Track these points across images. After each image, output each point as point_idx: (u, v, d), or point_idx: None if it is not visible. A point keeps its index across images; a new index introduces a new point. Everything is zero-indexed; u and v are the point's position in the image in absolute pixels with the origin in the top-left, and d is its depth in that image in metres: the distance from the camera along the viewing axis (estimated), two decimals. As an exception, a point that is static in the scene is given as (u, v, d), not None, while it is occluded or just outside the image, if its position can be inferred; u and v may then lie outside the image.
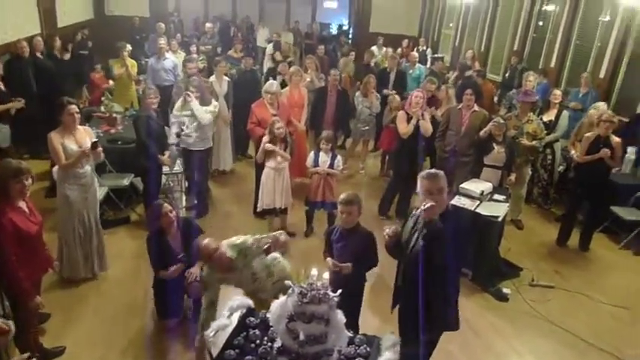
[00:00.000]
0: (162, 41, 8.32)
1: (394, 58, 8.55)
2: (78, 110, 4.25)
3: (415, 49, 11.70)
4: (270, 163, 5.23)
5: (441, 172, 3.01)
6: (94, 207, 4.54)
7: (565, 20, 8.82)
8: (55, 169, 5.07)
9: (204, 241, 3.39)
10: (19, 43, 6.84)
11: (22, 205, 3.25)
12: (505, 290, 4.85)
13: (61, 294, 4.34)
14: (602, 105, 5.75)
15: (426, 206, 2.78)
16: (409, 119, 5.69)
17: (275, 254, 3.48)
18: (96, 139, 4.46)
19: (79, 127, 4.34)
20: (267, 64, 10.50)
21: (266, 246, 3.42)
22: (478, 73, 8.35)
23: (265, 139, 5.17)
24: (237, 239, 3.46)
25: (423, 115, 5.67)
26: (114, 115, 6.61)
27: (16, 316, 3.09)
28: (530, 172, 6.33)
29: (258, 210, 5.43)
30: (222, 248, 3.35)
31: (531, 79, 7.03)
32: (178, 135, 5.59)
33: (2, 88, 6.20)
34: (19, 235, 3.10)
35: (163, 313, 4.00)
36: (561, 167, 6.74)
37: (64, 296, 4.31)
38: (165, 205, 3.85)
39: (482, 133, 5.55)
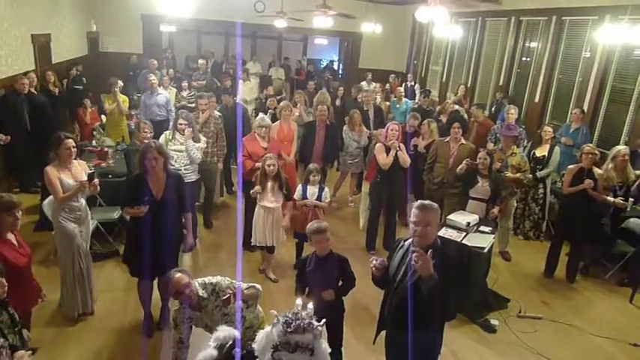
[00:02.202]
0: (153, 77, 8.46)
1: (368, 96, 8.53)
2: (74, 145, 4.32)
3: (403, 85, 11.98)
4: (261, 202, 5.22)
5: (435, 206, 3.00)
6: (87, 240, 4.54)
7: (548, 56, 9.12)
8: (46, 202, 5.11)
9: (176, 275, 3.23)
10: (21, 80, 6.93)
11: (11, 237, 3.27)
12: (493, 321, 4.87)
13: (47, 327, 4.29)
14: (622, 149, 5.82)
15: (414, 260, 2.76)
16: (388, 150, 5.83)
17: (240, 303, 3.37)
18: (92, 171, 4.52)
19: (74, 160, 4.38)
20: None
21: (225, 297, 3.27)
22: (478, 105, 8.47)
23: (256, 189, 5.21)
24: (212, 279, 3.38)
25: (399, 146, 5.81)
26: (105, 149, 6.67)
27: None
28: (515, 205, 6.43)
29: (253, 244, 5.41)
30: (193, 285, 3.24)
31: (512, 112, 7.22)
32: None
33: None
34: (7, 268, 3.11)
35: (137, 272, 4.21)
36: (549, 199, 6.85)
37: (50, 330, 4.27)
38: (152, 150, 3.99)
39: (458, 169, 5.67)
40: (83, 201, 4.39)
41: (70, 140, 4.25)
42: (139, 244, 4.03)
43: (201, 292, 3.26)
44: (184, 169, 5.55)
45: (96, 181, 4.33)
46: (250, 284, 3.41)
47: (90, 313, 4.51)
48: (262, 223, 5.24)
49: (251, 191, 5.24)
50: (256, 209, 5.29)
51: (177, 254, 4.38)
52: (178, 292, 3.20)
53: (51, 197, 5.09)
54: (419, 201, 3.05)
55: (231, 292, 3.30)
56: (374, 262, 3.15)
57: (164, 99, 8.23)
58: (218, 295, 3.29)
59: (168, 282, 3.25)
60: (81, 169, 4.40)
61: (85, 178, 4.25)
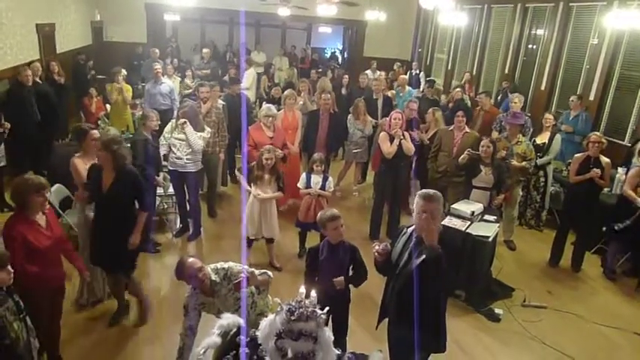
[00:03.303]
0: (158, 66, 8.43)
1: (378, 84, 8.41)
2: (99, 136, 4.39)
3: (408, 73, 11.89)
4: (256, 193, 5.13)
5: (439, 194, 3.03)
6: None
7: (554, 43, 9.02)
8: (54, 189, 5.13)
9: (189, 260, 3.26)
10: (24, 72, 6.89)
11: (41, 218, 3.32)
12: (497, 311, 4.86)
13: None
14: None
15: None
16: (392, 139, 5.81)
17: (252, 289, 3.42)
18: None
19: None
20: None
21: (237, 280, 3.27)
22: (486, 93, 8.33)
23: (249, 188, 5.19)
24: (224, 264, 3.40)
25: (403, 134, 5.79)
26: (109, 138, 6.66)
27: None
28: (520, 193, 6.40)
29: (250, 238, 5.37)
30: (206, 270, 3.27)
31: (516, 101, 7.17)
32: (165, 157, 5.66)
33: None
34: (29, 248, 3.19)
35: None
36: (553, 188, 6.82)
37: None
38: (95, 132, 3.99)
39: (460, 159, 5.65)
40: None
41: (95, 131, 4.42)
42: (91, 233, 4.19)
43: (214, 277, 3.28)
44: (186, 159, 5.56)
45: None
46: (262, 270, 3.43)
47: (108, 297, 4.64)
48: (257, 214, 5.17)
49: (254, 193, 5.20)
50: (250, 201, 5.21)
51: (127, 252, 4.14)
52: (191, 275, 3.22)
53: (57, 185, 5.18)
54: (423, 190, 3.06)
55: (241, 277, 3.30)
56: (376, 247, 3.17)
57: (168, 88, 8.22)
58: (230, 279, 3.31)
59: (181, 266, 3.26)
60: None
61: None
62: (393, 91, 9.78)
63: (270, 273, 3.45)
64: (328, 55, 18.65)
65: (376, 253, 3.16)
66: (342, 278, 3.52)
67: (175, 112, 6.42)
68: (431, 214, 2.92)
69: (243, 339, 2.76)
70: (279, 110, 6.74)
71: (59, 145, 6.71)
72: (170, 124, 5.71)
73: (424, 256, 2.87)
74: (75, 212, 5.44)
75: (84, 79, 9.66)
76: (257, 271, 3.41)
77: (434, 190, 3.08)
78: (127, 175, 4.03)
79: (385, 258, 3.16)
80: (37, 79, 7.37)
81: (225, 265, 3.38)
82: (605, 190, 5.94)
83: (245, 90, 9.04)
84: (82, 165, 4.25)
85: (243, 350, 2.64)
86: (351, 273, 3.66)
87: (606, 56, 7.81)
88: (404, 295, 2.99)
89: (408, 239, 3.10)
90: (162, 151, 5.61)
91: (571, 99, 7.57)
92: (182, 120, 5.45)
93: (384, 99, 8.23)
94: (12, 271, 2.81)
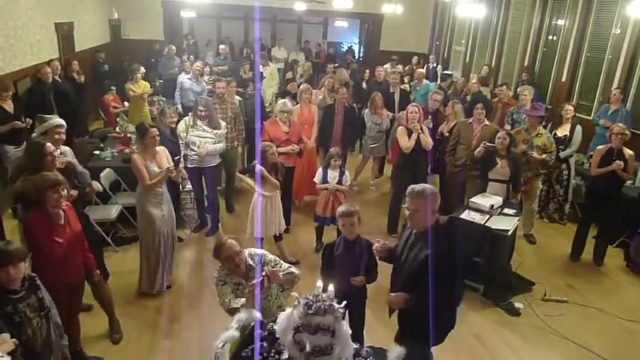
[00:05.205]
0: (199, 64, 8.71)
1: (395, 78, 8.33)
2: (158, 133, 4.55)
3: (425, 66, 11.78)
4: (261, 190, 5.04)
5: (427, 192, 3.01)
6: (171, 223, 4.77)
7: (575, 34, 8.84)
8: (103, 174, 5.54)
9: (229, 241, 3.23)
10: (43, 69, 7.00)
11: (60, 214, 3.35)
12: (517, 305, 4.80)
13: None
14: None
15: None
16: (410, 134, 5.76)
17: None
18: (178, 157, 4.74)
19: (157, 148, 4.61)
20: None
21: (252, 282, 3.13)
22: (507, 85, 8.22)
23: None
24: (258, 250, 3.41)
25: (422, 128, 5.74)
26: (128, 135, 6.75)
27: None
28: (540, 186, 6.31)
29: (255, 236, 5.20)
30: (243, 254, 3.27)
31: (526, 94, 7.06)
32: (185, 157, 5.68)
33: (9, 109, 5.98)
34: (47, 243, 3.25)
35: None
36: (574, 181, 6.70)
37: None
38: (49, 145, 3.76)
39: (476, 153, 5.59)
40: (165, 187, 4.63)
41: (155, 129, 4.54)
42: None
43: (250, 261, 3.29)
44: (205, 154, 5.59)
45: (182, 165, 4.60)
46: (289, 270, 3.37)
47: (168, 286, 4.83)
48: (263, 213, 5.09)
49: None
50: (254, 197, 5.12)
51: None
52: (228, 257, 3.20)
53: (107, 170, 5.67)
54: (410, 186, 3.09)
55: (264, 274, 3.27)
56: (376, 244, 3.25)
57: (201, 88, 8.37)
58: (263, 266, 3.30)
59: (220, 247, 3.24)
60: (163, 155, 4.63)
61: (167, 165, 4.50)
62: (406, 85, 9.72)
63: (296, 272, 3.39)
64: (345, 49, 18.56)
65: (375, 250, 3.26)
66: (362, 278, 3.50)
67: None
68: (422, 210, 2.98)
69: (258, 333, 2.77)
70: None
71: (78, 143, 6.81)
72: (184, 121, 5.72)
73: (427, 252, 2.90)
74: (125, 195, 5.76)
75: (112, 77, 9.75)
76: (284, 265, 3.40)
77: (421, 186, 3.08)
78: (67, 172, 3.96)
79: (386, 254, 3.25)
80: (57, 78, 7.48)
81: (260, 252, 3.39)
82: (628, 182, 5.83)
83: (262, 87, 9.07)
84: (140, 161, 4.45)
85: (258, 344, 2.66)
86: None
87: (629, 46, 7.63)
88: (408, 288, 3.07)
89: (410, 233, 3.15)
90: (182, 150, 5.61)
91: (613, 92, 7.26)
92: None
93: (401, 92, 8.17)
94: (18, 271, 2.76)
